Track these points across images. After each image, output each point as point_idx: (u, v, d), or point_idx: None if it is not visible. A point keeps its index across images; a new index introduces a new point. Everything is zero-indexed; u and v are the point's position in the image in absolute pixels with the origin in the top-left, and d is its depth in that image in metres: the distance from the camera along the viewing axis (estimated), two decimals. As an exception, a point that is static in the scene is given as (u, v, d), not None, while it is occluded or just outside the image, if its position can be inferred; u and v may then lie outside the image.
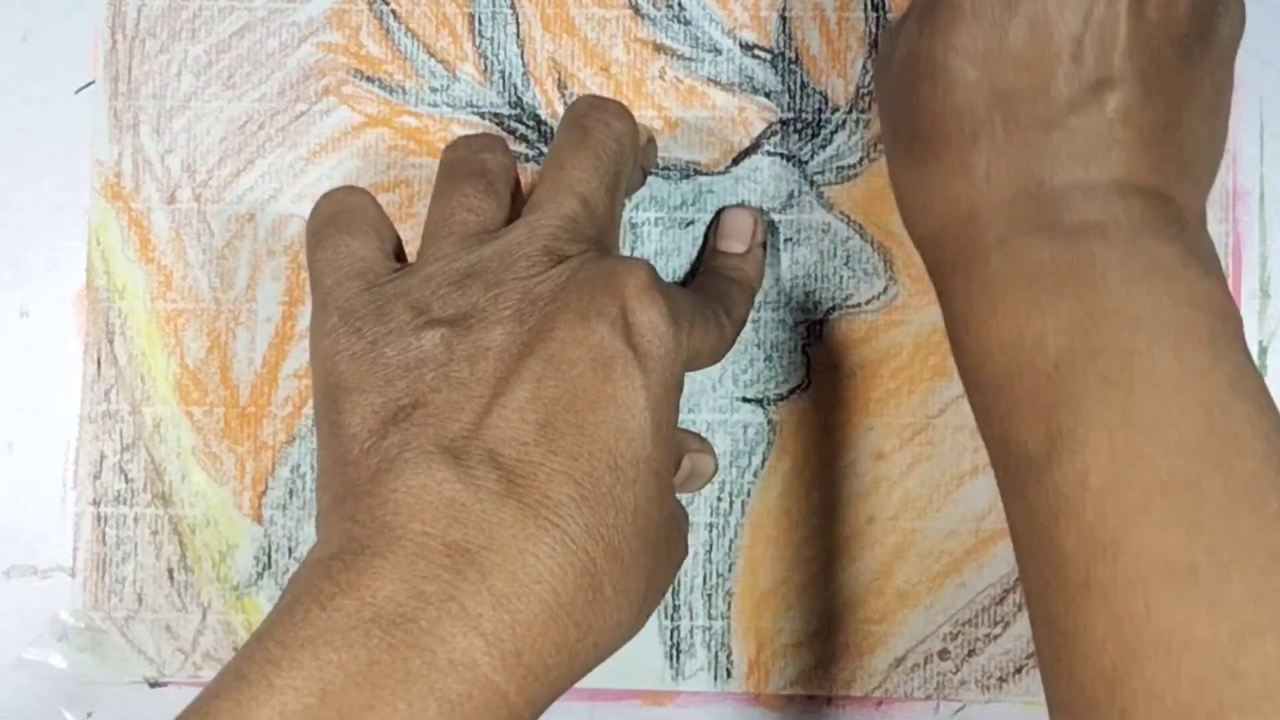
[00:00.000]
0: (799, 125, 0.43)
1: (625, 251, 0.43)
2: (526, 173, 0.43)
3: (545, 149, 0.43)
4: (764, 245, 0.42)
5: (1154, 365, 0.29)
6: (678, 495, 0.41)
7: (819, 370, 0.42)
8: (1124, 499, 0.28)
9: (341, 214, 0.36)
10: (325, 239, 0.35)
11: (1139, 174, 0.32)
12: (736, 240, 0.41)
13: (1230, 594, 0.27)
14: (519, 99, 0.43)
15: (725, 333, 0.36)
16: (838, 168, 0.43)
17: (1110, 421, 0.29)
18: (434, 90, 0.43)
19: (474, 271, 0.33)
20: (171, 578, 0.42)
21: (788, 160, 0.43)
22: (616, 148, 0.36)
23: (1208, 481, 0.28)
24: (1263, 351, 0.42)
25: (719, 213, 0.42)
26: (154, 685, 0.42)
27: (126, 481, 0.42)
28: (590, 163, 0.35)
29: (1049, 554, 0.29)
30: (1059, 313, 0.30)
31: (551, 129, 0.43)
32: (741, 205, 0.42)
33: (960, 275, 0.33)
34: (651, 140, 0.42)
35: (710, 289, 0.39)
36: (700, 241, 0.42)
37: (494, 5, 0.43)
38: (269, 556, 0.42)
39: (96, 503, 0.42)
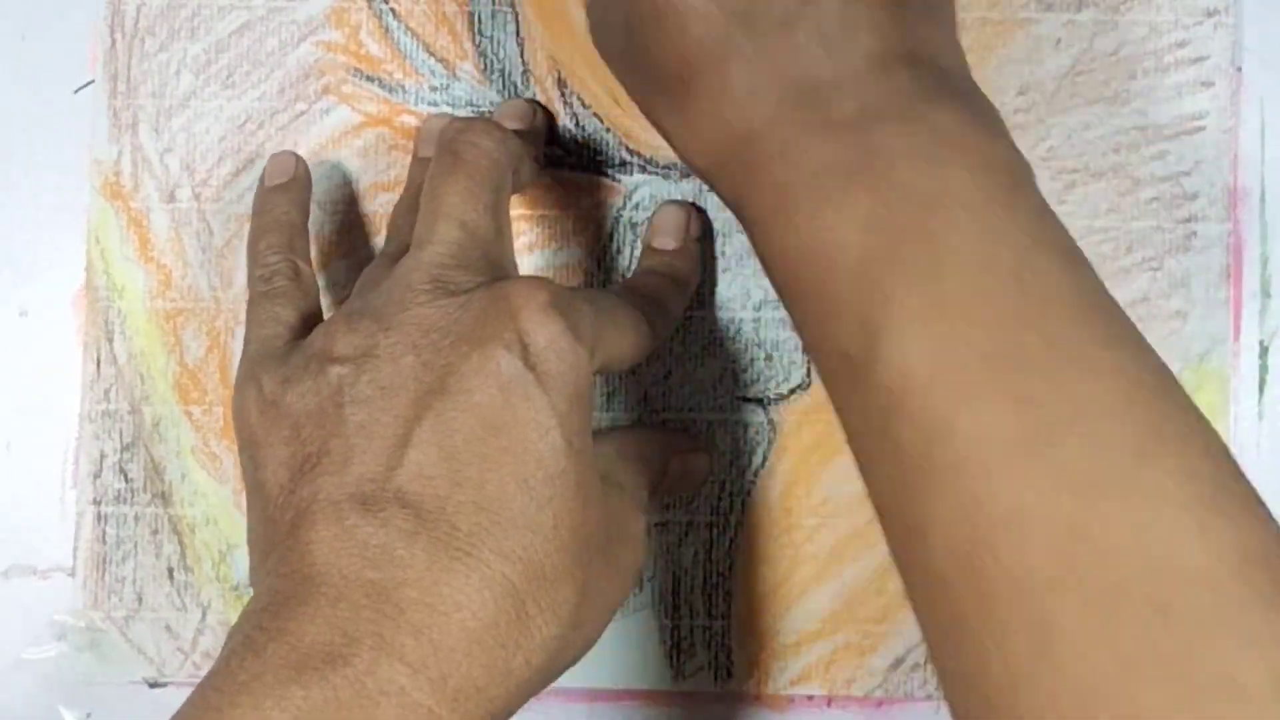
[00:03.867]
0: (799, 124, 0.43)
1: (626, 253, 0.43)
2: (526, 172, 0.43)
3: (545, 148, 0.43)
4: (700, 240, 0.42)
5: (957, 243, 0.29)
6: (681, 496, 0.41)
7: (819, 370, 0.42)
8: (949, 383, 0.28)
9: (276, 277, 0.37)
10: (257, 305, 0.37)
11: (890, 41, 0.31)
12: (670, 236, 0.41)
13: (1067, 460, 0.27)
14: (519, 98, 0.43)
15: (645, 332, 0.37)
16: (838, 167, 0.42)
17: (924, 310, 0.29)
18: (434, 89, 0.43)
19: (365, 311, 0.34)
20: (171, 577, 0.42)
21: (788, 159, 0.43)
22: (489, 164, 0.36)
23: (1028, 348, 0.28)
24: (1263, 351, 0.42)
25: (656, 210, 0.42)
26: (153, 685, 0.42)
27: (126, 481, 0.42)
28: (464, 185, 0.35)
29: (886, 451, 0.29)
30: (853, 209, 0.30)
31: (551, 128, 0.43)
32: (677, 201, 0.42)
33: (751, 194, 0.32)
34: (545, 121, 0.42)
35: (636, 288, 0.39)
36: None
37: (494, 4, 0.43)
38: (269, 556, 0.42)
39: (96, 502, 0.42)
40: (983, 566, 0.27)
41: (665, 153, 0.43)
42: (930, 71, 0.31)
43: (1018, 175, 0.31)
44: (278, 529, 0.32)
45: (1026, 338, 0.28)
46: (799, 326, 0.32)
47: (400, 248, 0.37)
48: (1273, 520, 0.27)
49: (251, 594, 0.32)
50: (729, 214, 0.42)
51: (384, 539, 0.31)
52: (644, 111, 0.34)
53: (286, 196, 0.40)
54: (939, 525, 0.28)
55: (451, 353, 0.32)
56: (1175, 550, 0.26)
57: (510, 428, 0.32)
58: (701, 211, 0.42)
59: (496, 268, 0.35)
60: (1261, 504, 0.27)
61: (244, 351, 0.36)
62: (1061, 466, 0.27)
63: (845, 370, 0.30)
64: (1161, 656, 0.25)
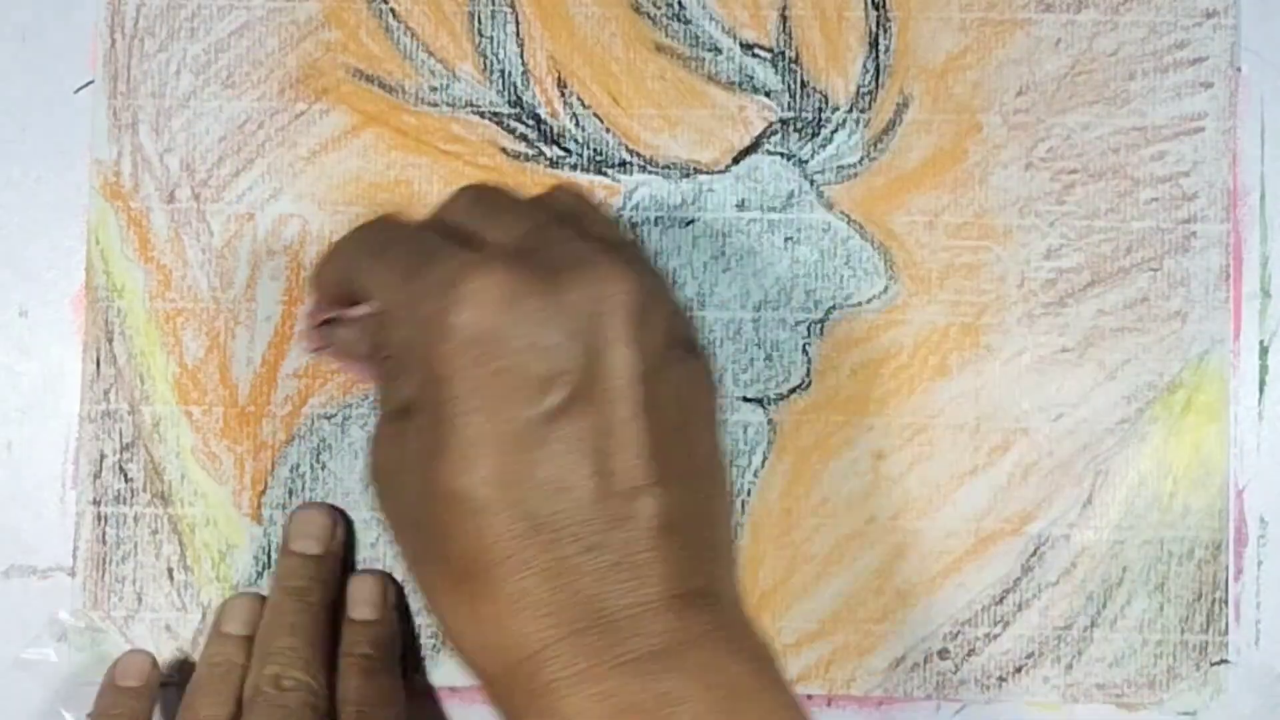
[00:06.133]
0: (799, 124, 0.43)
1: (625, 251, 0.43)
2: (525, 171, 0.43)
3: (545, 148, 0.43)
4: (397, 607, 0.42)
5: None
6: None
7: (819, 370, 0.42)
8: None
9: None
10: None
11: (686, 578, 0.31)
12: (368, 606, 0.41)
13: None
14: (519, 98, 0.43)
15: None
16: (838, 167, 0.43)
17: None
18: (433, 89, 0.43)
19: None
20: (171, 577, 0.42)
21: (788, 159, 0.43)
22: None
23: None
24: (1263, 351, 0.42)
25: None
26: (154, 685, 0.42)
27: (126, 481, 0.42)
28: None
29: None
30: None
31: (551, 128, 0.43)
32: (372, 570, 0.42)
33: (534, 718, 0.31)
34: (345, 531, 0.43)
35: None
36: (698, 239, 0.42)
37: (493, 3, 0.43)
38: (268, 556, 0.42)
39: (96, 502, 0.42)
40: None
41: (665, 152, 0.43)
42: (712, 610, 0.31)
43: None
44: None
45: None
46: None
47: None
48: None
49: None
50: (729, 213, 0.43)
51: None
52: (428, 597, 0.33)
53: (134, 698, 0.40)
54: None
55: None
56: None
57: None
58: (396, 582, 0.42)
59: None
60: None
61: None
62: None
63: None
64: None
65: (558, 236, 0.33)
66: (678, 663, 0.30)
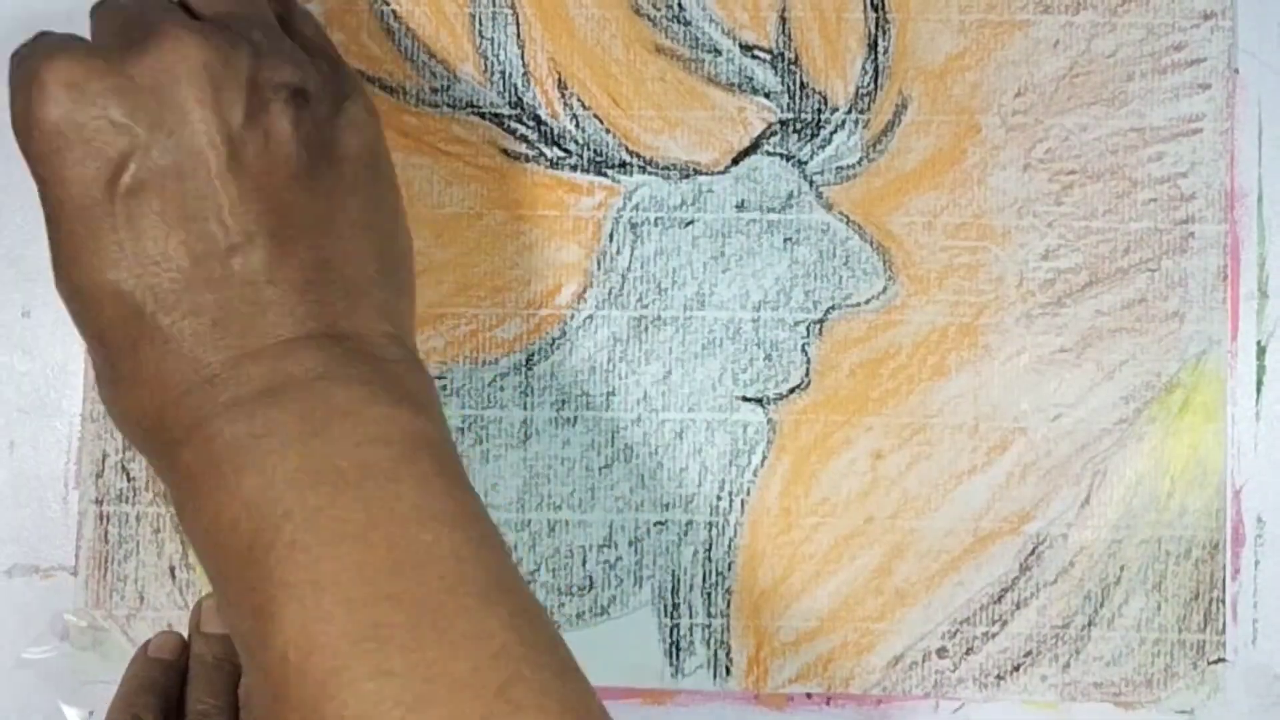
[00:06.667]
0: (798, 125, 0.43)
1: (626, 253, 0.43)
2: (526, 172, 0.43)
3: (545, 149, 0.43)
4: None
5: (337, 518, 0.30)
6: None
7: (818, 370, 0.42)
8: (318, 666, 0.29)
9: None
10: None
11: (304, 323, 0.32)
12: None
13: None
14: (519, 99, 0.43)
15: None
16: (837, 168, 0.43)
17: (301, 590, 0.29)
18: (434, 90, 0.43)
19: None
20: (173, 576, 0.42)
21: (787, 160, 0.43)
22: None
23: (393, 623, 0.29)
24: (1261, 352, 0.42)
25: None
26: (156, 683, 0.42)
27: (128, 480, 0.42)
28: None
29: None
30: (243, 491, 0.30)
31: (551, 129, 0.43)
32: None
33: (167, 474, 0.32)
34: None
35: None
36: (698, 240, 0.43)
37: (494, 5, 0.43)
38: (270, 555, 0.42)
39: (99, 501, 0.42)
40: None
41: (665, 153, 0.43)
42: (345, 346, 0.32)
43: (413, 446, 0.31)
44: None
45: (393, 613, 0.29)
46: (219, 609, 0.33)
47: None
48: None
49: None
50: (728, 213, 0.43)
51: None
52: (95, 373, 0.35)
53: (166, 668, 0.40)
54: None
55: None
56: None
57: None
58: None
59: None
60: None
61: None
62: None
63: (244, 652, 0.31)
64: None
65: (129, 17, 0.33)
66: (277, 400, 0.31)
